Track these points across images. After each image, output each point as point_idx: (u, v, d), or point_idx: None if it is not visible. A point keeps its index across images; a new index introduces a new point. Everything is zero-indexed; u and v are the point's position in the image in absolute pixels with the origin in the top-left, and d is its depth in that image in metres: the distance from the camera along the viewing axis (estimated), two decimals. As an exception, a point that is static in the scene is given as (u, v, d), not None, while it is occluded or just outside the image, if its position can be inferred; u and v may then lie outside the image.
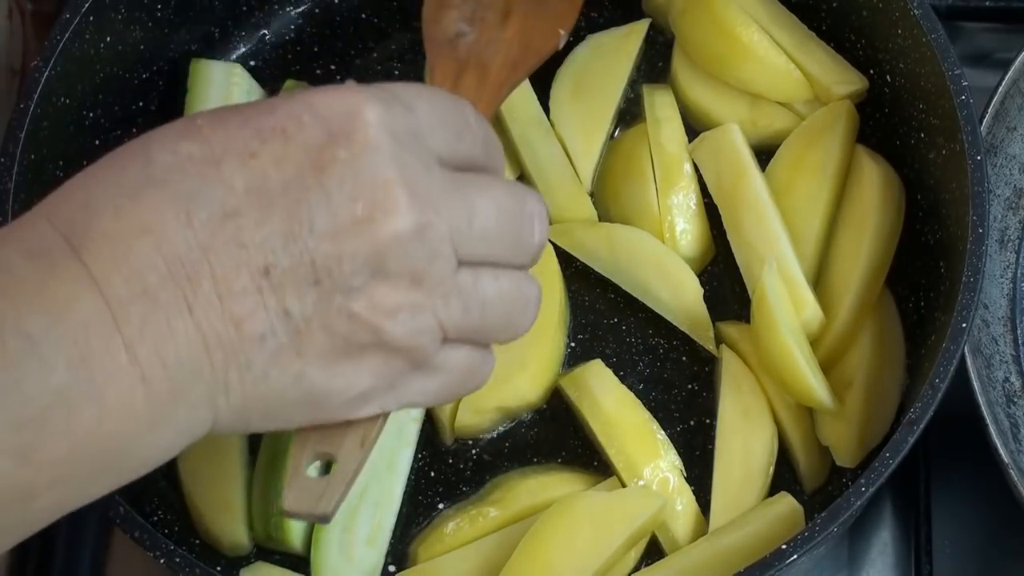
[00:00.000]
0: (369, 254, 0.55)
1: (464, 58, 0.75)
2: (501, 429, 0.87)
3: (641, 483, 0.82)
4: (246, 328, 0.54)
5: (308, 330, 0.55)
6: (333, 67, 0.98)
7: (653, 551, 0.83)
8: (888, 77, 0.89)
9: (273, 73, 0.97)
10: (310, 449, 0.61)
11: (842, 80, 0.90)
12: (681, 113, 0.93)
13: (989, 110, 0.87)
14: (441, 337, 0.59)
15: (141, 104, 0.93)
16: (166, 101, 0.94)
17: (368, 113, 0.55)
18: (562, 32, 0.79)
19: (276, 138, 0.55)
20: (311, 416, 0.59)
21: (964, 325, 0.76)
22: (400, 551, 0.84)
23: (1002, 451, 0.79)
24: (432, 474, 0.86)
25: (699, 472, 0.84)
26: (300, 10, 0.99)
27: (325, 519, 0.60)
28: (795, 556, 0.71)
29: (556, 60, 0.95)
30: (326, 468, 0.61)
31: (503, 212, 0.59)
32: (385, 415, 0.61)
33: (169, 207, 0.54)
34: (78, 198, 0.56)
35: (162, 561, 0.73)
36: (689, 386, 0.88)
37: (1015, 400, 0.87)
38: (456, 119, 0.60)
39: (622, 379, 0.86)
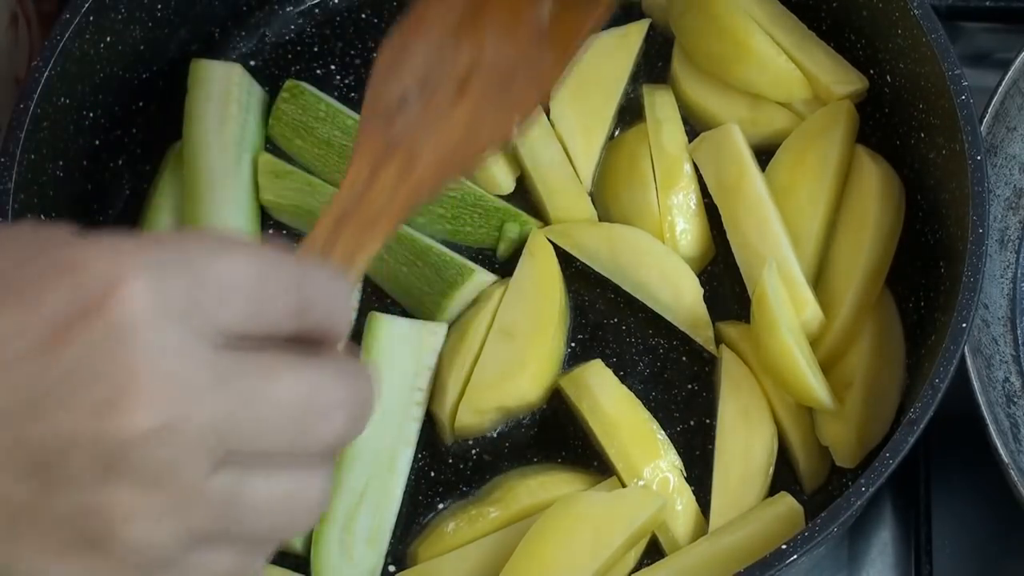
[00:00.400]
0: (102, 450, 0.47)
1: (395, 139, 0.68)
2: (501, 429, 0.87)
3: (641, 483, 0.82)
4: None
5: (21, 523, 0.48)
6: (333, 67, 0.97)
7: (653, 551, 0.83)
8: (888, 77, 0.89)
9: (273, 73, 0.97)
10: None
11: (842, 80, 0.90)
12: (681, 113, 0.93)
13: (989, 110, 0.87)
14: (188, 543, 0.50)
15: (141, 104, 0.93)
16: (166, 101, 0.94)
17: (132, 285, 0.48)
18: (518, 121, 0.70)
19: (17, 304, 0.48)
20: None
21: (964, 325, 0.76)
22: (400, 551, 0.84)
23: (1002, 451, 0.79)
24: (432, 474, 0.86)
25: (699, 472, 0.84)
26: (300, 10, 0.99)
27: None
28: (795, 556, 0.71)
29: (556, 60, 0.95)
30: None
31: (285, 409, 0.50)
32: None
33: None
34: None
35: (162, 561, 0.73)
36: (689, 386, 0.88)
37: (1015, 400, 0.87)
38: (264, 288, 0.51)
39: (622, 379, 0.86)
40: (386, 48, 0.71)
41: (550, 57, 0.72)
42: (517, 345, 0.86)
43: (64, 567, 0.49)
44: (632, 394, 0.85)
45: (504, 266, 0.91)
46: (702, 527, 0.83)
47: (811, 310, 0.84)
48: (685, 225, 0.89)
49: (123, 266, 0.48)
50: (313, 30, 0.99)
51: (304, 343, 0.52)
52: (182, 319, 0.48)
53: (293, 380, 0.51)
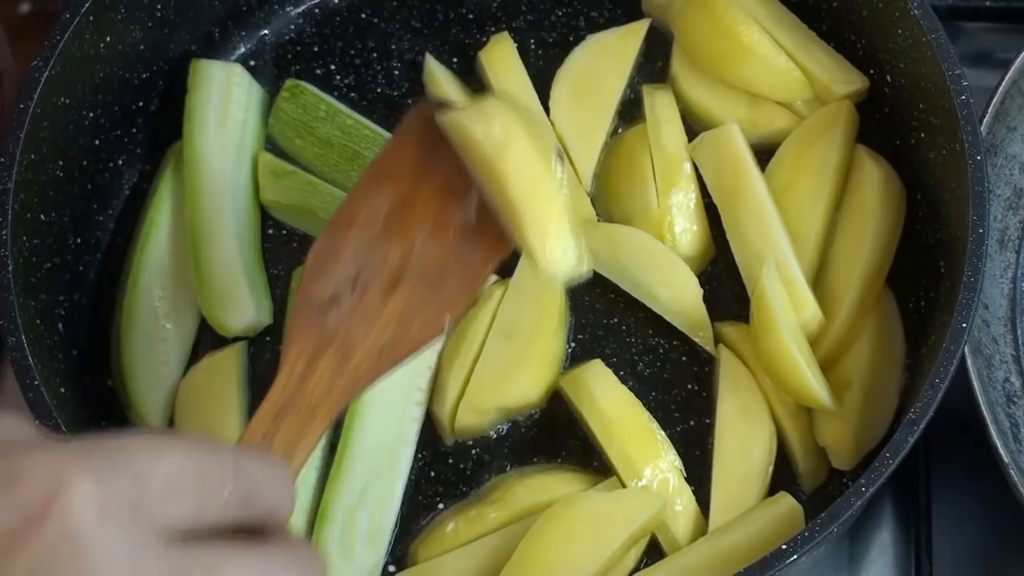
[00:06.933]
0: None
1: (329, 333, 0.69)
2: (501, 429, 0.87)
3: (641, 483, 0.82)
4: None
5: None
6: (333, 67, 0.98)
7: (653, 551, 0.83)
8: (888, 77, 0.89)
9: (273, 73, 0.97)
10: None
11: (842, 80, 0.90)
12: (681, 113, 0.93)
13: (989, 110, 0.87)
14: None
15: (141, 104, 0.93)
16: (166, 101, 0.94)
17: (72, 495, 0.48)
18: (448, 320, 0.72)
19: None
20: None
21: (964, 325, 0.76)
22: (400, 551, 0.84)
23: (1002, 451, 0.79)
24: (432, 474, 0.86)
25: (699, 472, 0.84)
26: (300, 10, 0.99)
27: None
28: (795, 556, 0.71)
29: (556, 60, 0.95)
30: None
31: None
32: None
33: None
34: None
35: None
36: (689, 386, 0.88)
37: (1015, 400, 0.87)
38: (205, 481, 0.52)
39: (622, 379, 0.86)
40: (317, 247, 0.72)
41: (479, 256, 0.74)
42: (517, 345, 0.86)
43: None
44: (632, 394, 0.85)
45: (504, 266, 0.91)
46: (702, 527, 0.83)
47: (810, 310, 0.84)
48: (685, 225, 0.89)
49: (63, 474, 0.49)
50: (313, 30, 0.99)
51: (250, 531, 0.53)
52: (128, 520, 0.49)
53: (245, 571, 0.52)
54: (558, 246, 0.72)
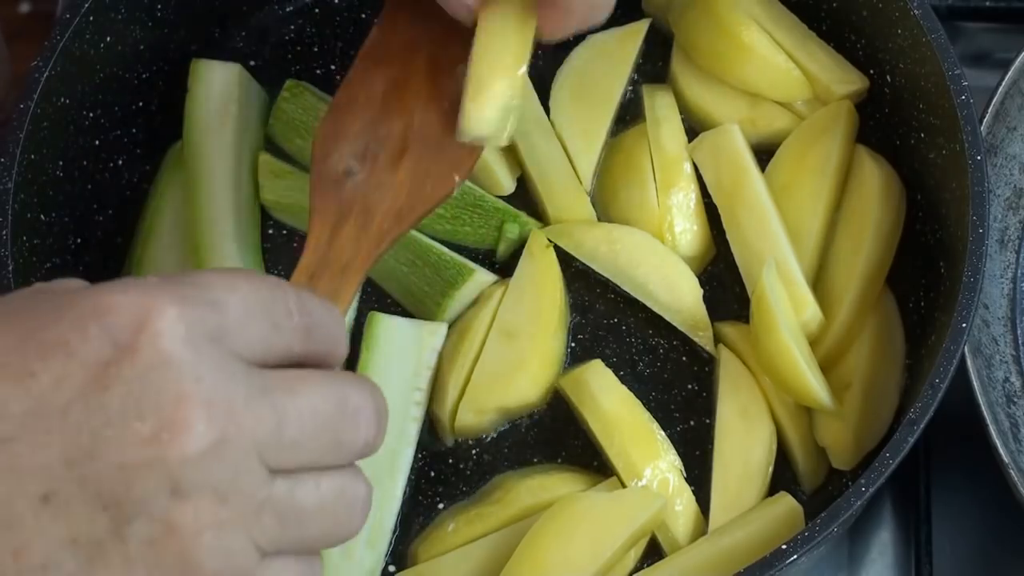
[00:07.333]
0: (162, 476, 0.50)
1: (348, 202, 0.74)
2: (501, 429, 0.87)
3: (641, 483, 0.82)
4: (24, 559, 0.50)
5: (102, 556, 0.51)
6: (333, 67, 0.98)
7: (653, 551, 0.83)
8: (888, 77, 0.89)
9: (273, 73, 0.97)
10: None
11: (842, 80, 0.90)
12: (681, 113, 0.93)
13: (989, 110, 0.87)
14: (258, 553, 0.54)
15: (141, 104, 0.93)
16: (166, 101, 0.94)
17: (160, 322, 0.51)
18: (457, 179, 0.77)
19: (57, 355, 0.51)
20: None
21: (964, 325, 0.76)
22: (400, 551, 0.84)
23: (1002, 451, 0.79)
24: (432, 474, 0.86)
25: (699, 472, 0.84)
26: (300, 10, 0.99)
27: None
28: (795, 556, 0.71)
29: (556, 60, 0.95)
30: None
31: (318, 415, 0.55)
32: None
33: None
34: None
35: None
36: (689, 386, 0.88)
37: (1015, 400, 0.87)
38: (274, 310, 0.55)
39: (622, 379, 0.86)
40: (321, 129, 0.77)
41: None
42: (517, 345, 0.86)
43: None
44: (632, 394, 0.85)
45: (504, 266, 0.91)
46: (702, 527, 0.83)
47: (810, 310, 0.84)
48: (685, 225, 0.89)
49: (148, 303, 0.51)
50: (313, 30, 0.99)
51: (309, 367, 0.57)
52: (212, 344, 0.52)
53: (321, 390, 0.55)
54: (485, 106, 0.75)
